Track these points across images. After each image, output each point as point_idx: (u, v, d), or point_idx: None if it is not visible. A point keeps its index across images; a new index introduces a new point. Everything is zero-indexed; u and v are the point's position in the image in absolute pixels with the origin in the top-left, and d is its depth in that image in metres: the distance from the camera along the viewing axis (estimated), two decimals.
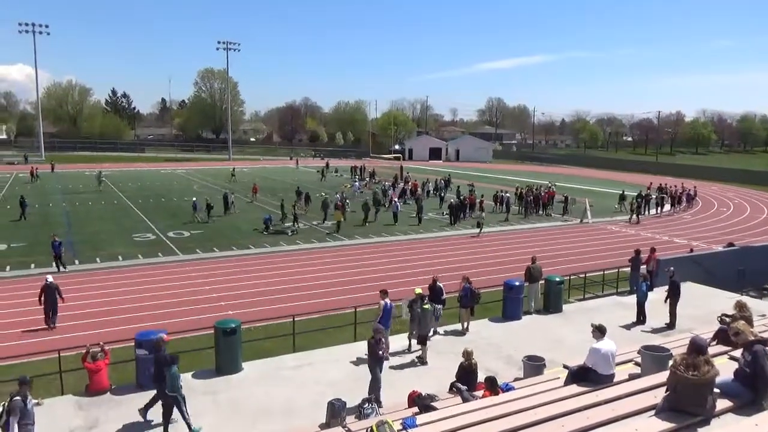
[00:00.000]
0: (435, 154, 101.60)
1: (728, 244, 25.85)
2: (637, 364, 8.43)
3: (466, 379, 10.11)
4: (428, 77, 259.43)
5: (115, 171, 64.20)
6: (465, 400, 8.70)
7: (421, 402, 8.76)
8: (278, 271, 23.23)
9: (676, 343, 9.61)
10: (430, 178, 53.21)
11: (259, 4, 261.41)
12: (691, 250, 25.42)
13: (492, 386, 8.77)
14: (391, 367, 12.63)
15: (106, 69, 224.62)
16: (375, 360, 11.13)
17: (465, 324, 15.48)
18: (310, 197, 39.71)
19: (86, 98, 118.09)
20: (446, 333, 15.35)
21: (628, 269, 20.18)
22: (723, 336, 8.68)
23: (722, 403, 5.79)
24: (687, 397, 5.58)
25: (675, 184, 50.92)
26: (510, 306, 16.50)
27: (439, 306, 15.07)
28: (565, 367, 8.82)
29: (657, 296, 17.09)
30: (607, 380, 7.71)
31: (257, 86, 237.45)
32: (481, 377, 9.96)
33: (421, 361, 13.34)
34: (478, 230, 31.88)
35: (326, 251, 27.18)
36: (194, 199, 36.75)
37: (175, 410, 10.03)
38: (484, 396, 8.69)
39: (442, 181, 49.64)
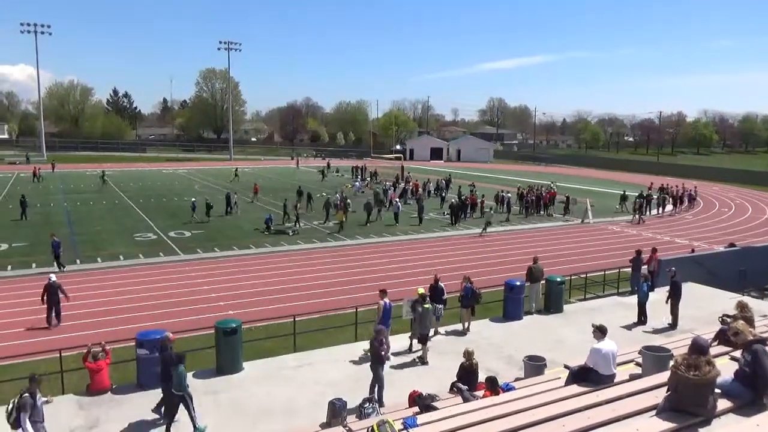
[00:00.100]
0: (436, 154, 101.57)
1: (729, 244, 25.83)
2: (638, 364, 8.42)
3: (467, 379, 10.10)
4: (429, 77, 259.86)
5: (116, 171, 64.22)
6: (466, 400, 8.70)
7: (422, 402, 8.75)
8: (279, 271, 23.23)
9: (678, 344, 9.60)
10: (431, 178, 53.20)
11: (260, 5, 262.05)
12: (693, 251, 25.40)
13: (493, 386, 8.76)
14: (392, 367, 12.64)
15: (107, 69, 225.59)
16: (378, 361, 11.13)
17: (466, 324, 15.48)
18: (312, 197, 39.75)
19: (88, 98, 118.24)
20: (447, 333, 15.36)
21: (629, 269, 20.17)
22: (724, 336, 8.67)
23: (723, 404, 5.78)
24: (688, 397, 5.57)
25: (676, 185, 50.86)
26: (511, 306, 16.50)
27: (440, 306, 15.07)
28: (566, 367, 8.81)
29: (658, 296, 17.07)
30: (608, 380, 7.70)
31: (258, 86, 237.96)
32: (481, 377, 9.96)
33: (422, 361, 13.34)
34: (483, 228, 31.89)
35: (327, 251, 27.18)
36: (193, 199, 36.75)
37: (181, 409, 10.05)
38: (484, 396, 8.68)
39: (443, 182, 49.63)
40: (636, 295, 16.83)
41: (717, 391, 5.76)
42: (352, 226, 32.73)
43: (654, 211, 41.09)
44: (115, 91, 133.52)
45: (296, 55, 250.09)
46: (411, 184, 48.45)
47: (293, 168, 77.42)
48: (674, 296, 15.94)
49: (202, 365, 12.79)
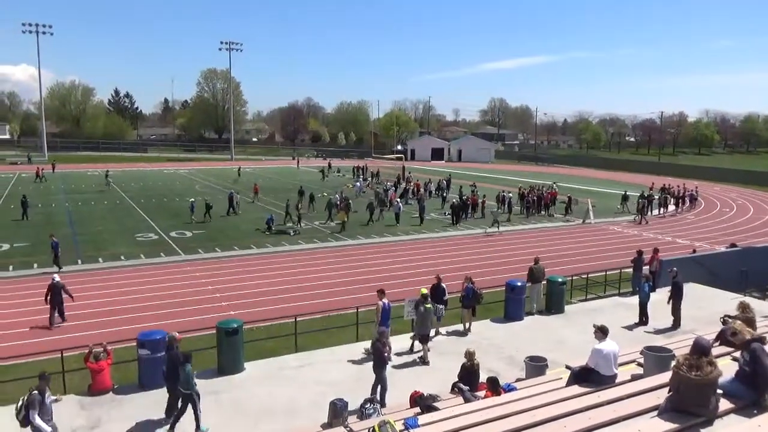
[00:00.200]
0: (437, 154, 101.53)
1: (731, 244, 25.79)
2: (639, 364, 8.41)
3: (468, 379, 10.10)
4: (430, 77, 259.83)
5: (117, 171, 64.21)
6: (467, 400, 8.69)
7: (423, 402, 8.75)
8: (280, 271, 23.24)
9: (679, 344, 9.59)
10: (432, 178, 53.22)
11: (261, 5, 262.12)
12: (694, 251, 25.37)
13: (494, 387, 8.75)
14: (393, 367, 12.63)
15: (109, 69, 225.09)
16: (381, 362, 11.13)
17: (467, 324, 15.47)
18: (314, 197, 39.75)
19: (89, 98, 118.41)
20: (448, 333, 15.36)
21: (631, 270, 20.15)
22: (726, 337, 8.66)
23: (725, 404, 5.77)
24: (690, 397, 5.56)
25: (677, 185, 50.82)
26: (512, 306, 16.49)
27: (441, 306, 15.07)
28: (568, 367, 8.80)
29: (659, 297, 17.06)
30: (609, 381, 7.69)
31: (260, 86, 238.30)
32: (483, 378, 9.96)
33: (423, 361, 13.34)
34: (494, 228, 32.21)
35: (328, 251, 27.19)
36: (191, 199, 36.73)
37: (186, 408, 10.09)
38: (486, 396, 8.68)
39: (444, 182, 49.64)
40: (637, 296, 16.81)
41: (719, 391, 5.76)
42: (354, 226, 32.74)
43: (655, 212, 41.05)
44: (117, 92, 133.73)
45: (297, 55, 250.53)
46: (412, 184, 48.45)
47: (294, 168, 77.46)
48: (676, 297, 15.92)
49: (203, 365, 12.78)
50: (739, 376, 6.04)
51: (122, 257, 25.17)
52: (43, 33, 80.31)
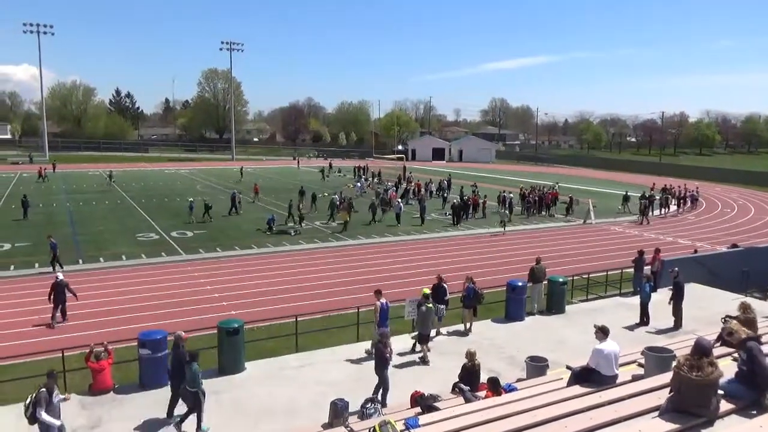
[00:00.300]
0: (438, 154, 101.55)
1: (732, 245, 25.77)
2: (640, 365, 8.40)
3: (469, 379, 10.09)
4: (431, 77, 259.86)
5: (118, 171, 64.18)
6: (467, 400, 8.68)
7: (424, 402, 8.74)
8: (281, 271, 23.24)
9: (680, 345, 9.58)
10: (433, 178, 53.22)
11: (262, 5, 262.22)
12: (695, 251, 25.35)
13: (494, 387, 8.75)
14: (394, 367, 12.60)
15: (110, 69, 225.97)
16: (383, 363, 11.13)
17: (468, 324, 15.46)
18: (316, 197, 39.74)
19: (90, 98, 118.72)
20: (449, 333, 15.34)
21: (632, 270, 20.12)
22: (723, 337, 8.67)
23: (726, 405, 5.76)
24: (691, 398, 5.56)
25: (679, 185, 50.79)
26: (513, 307, 16.47)
27: (442, 306, 15.06)
28: (568, 368, 8.80)
29: (660, 297, 17.04)
30: (610, 381, 7.69)
31: (260, 86, 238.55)
32: (483, 378, 9.95)
33: (423, 360, 13.33)
34: (502, 229, 32.36)
35: (329, 251, 27.18)
36: (190, 199, 36.75)
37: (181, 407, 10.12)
38: (486, 396, 8.67)
39: (445, 182, 49.64)
40: (638, 296, 16.79)
41: (720, 392, 5.75)
42: (356, 226, 32.75)
43: (656, 212, 41.02)
44: (118, 91, 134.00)
45: (297, 55, 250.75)
46: (413, 184, 48.45)
47: (294, 168, 77.48)
48: (677, 297, 15.89)
49: (204, 365, 12.69)
50: (739, 376, 6.05)
51: (123, 257, 25.18)
52: (44, 33, 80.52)
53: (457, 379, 10.25)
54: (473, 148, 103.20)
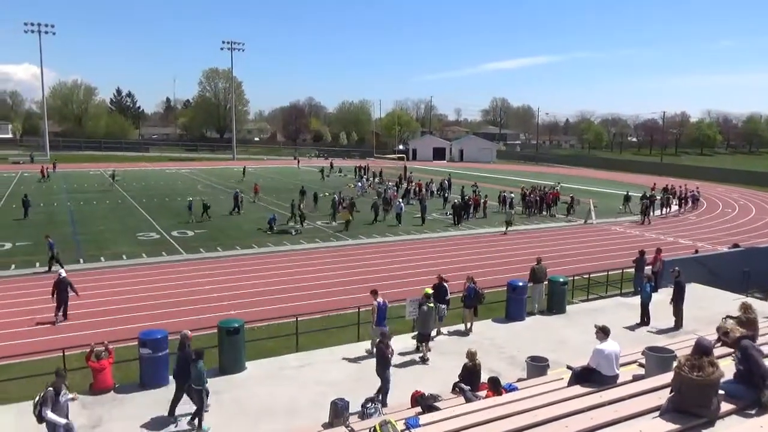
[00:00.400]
0: (439, 154, 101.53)
1: (733, 245, 25.75)
2: (641, 365, 8.39)
3: (470, 379, 10.09)
4: (432, 77, 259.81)
5: (119, 170, 64.28)
6: (468, 400, 8.68)
7: (424, 402, 8.74)
8: (281, 271, 23.24)
9: (681, 345, 9.57)
10: (434, 178, 53.19)
11: (262, 5, 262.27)
12: (696, 251, 25.33)
13: (495, 387, 8.75)
14: (394, 367, 12.60)
15: (111, 68, 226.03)
16: (385, 363, 11.12)
17: (468, 324, 15.46)
18: (318, 197, 39.74)
19: (91, 97, 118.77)
20: (450, 333, 15.34)
21: (632, 270, 20.11)
22: (719, 336, 8.67)
23: (727, 405, 5.75)
24: (691, 398, 5.55)
25: (680, 185, 50.74)
26: (513, 306, 16.47)
27: (443, 306, 15.06)
28: (569, 368, 8.79)
29: (661, 297, 17.03)
30: (610, 381, 7.68)
31: (261, 86, 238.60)
32: (484, 378, 9.94)
33: (422, 360, 13.33)
34: (504, 228, 32.48)
35: (329, 251, 27.18)
36: (189, 199, 36.76)
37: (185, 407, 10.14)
38: (487, 396, 8.67)
39: (446, 182, 49.63)
40: (639, 296, 16.78)
41: (721, 392, 5.74)
42: (359, 226, 32.76)
43: (657, 212, 40.98)
44: (119, 91, 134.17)
45: (298, 55, 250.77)
46: (414, 184, 48.44)
47: (295, 168, 77.48)
48: (678, 297, 15.88)
49: (205, 365, 12.77)
50: (737, 376, 6.06)
51: (124, 256, 25.18)
52: (46, 32, 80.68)
53: (458, 379, 10.25)
54: (474, 147, 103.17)
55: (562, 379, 8.63)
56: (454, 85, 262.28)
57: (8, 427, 10.18)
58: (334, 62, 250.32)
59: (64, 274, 16.99)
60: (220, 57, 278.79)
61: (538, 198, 40.43)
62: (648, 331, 15.49)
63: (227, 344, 12.61)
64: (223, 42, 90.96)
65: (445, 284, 15.64)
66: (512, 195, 39.39)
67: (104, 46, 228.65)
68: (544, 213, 39.44)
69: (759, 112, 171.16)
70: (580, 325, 15.65)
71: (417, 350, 13.91)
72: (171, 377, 11.32)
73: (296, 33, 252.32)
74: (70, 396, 9.23)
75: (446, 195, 44.55)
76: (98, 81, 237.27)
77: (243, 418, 10.71)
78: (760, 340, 8.98)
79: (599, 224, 36.32)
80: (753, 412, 5.73)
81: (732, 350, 8.05)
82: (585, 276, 20.36)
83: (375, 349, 11.62)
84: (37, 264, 23.32)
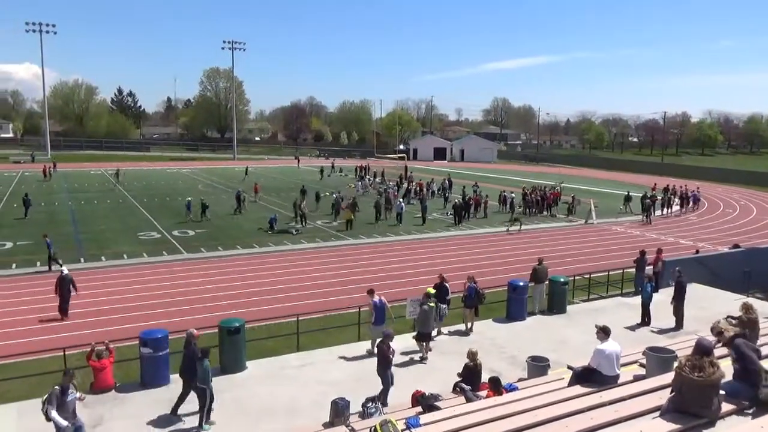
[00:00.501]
0: (440, 154, 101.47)
1: (734, 245, 25.71)
2: (641, 365, 8.40)
3: (471, 379, 10.09)
4: (432, 77, 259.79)
5: (121, 170, 64.32)
6: (469, 400, 8.69)
7: (425, 402, 8.75)
8: (282, 271, 23.24)
9: (682, 345, 9.57)
10: (435, 178, 53.19)
11: (263, 5, 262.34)
12: (697, 252, 25.30)
13: (496, 386, 8.75)
14: (395, 367, 12.60)
15: (112, 68, 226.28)
16: (386, 364, 11.13)
17: (469, 324, 15.46)
18: (319, 196, 39.81)
19: (92, 97, 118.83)
20: (450, 333, 15.34)
21: (633, 270, 20.10)
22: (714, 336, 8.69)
23: (727, 405, 5.76)
24: (692, 398, 5.55)
25: (680, 186, 50.70)
26: (514, 306, 16.47)
27: (444, 306, 15.06)
28: (570, 368, 8.80)
29: (662, 297, 17.02)
30: (611, 381, 7.68)
31: (262, 85, 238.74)
32: (484, 377, 9.95)
33: (422, 359, 13.33)
34: (516, 227, 32.78)
35: (330, 251, 27.18)
36: (189, 198, 36.75)
37: (187, 405, 10.15)
38: (487, 396, 8.67)
39: (447, 182, 49.62)
40: (640, 296, 16.78)
41: (721, 392, 5.75)
42: (361, 226, 32.77)
43: (658, 212, 40.95)
44: (120, 90, 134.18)
45: (299, 55, 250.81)
46: (414, 184, 48.44)
47: (295, 167, 77.48)
48: (678, 297, 15.88)
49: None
50: (735, 375, 6.09)
51: (125, 256, 25.20)
52: (47, 32, 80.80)
53: (459, 379, 10.25)
54: (475, 147, 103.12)
55: (563, 379, 8.64)
56: (454, 85, 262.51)
57: (10, 425, 10.19)
58: (335, 62, 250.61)
59: (66, 271, 17.18)
60: (221, 57, 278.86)
61: (539, 198, 40.42)
62: (649, 332, 15.49)
63: (228, 344, 12.62)
64: (224, 42, 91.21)
65: (446, 284, 15.64)
66: (513, 195, 39.36)
67: (105, 45, 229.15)
68: (545, 213, 39.43)
69: (760, 112, 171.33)
70: (580, 325, 15.65)
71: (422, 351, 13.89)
72: (174, 376, 11.34)
73: (297, 33, 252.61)
74: (78, 395, 9.21)
75: (447, 195, 44.56)
76: (99, 80, 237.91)
77: (244, 417, 10.72)
78: (761, 340, 8.99)
79: (600, 224, 36.30)
80: (753, 412, 5.73)
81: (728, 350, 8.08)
82: (586, 276, 20.35)
83: (376, 349, 11.63)
84: (38, 263, 23.33)
